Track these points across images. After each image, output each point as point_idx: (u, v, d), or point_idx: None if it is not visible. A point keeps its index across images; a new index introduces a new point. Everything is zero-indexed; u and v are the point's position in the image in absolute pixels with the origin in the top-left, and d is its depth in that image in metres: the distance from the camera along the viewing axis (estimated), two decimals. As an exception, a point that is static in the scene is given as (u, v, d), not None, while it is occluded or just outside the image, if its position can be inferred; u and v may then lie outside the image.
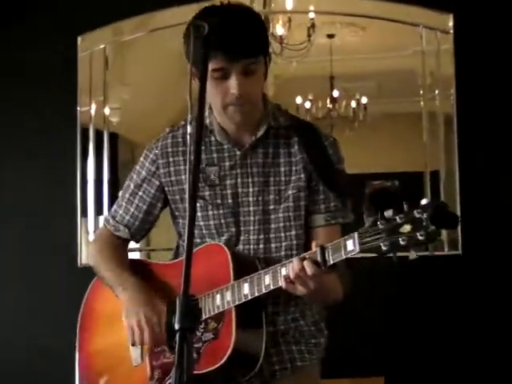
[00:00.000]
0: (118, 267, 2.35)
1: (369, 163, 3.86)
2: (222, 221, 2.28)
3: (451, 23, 3.84)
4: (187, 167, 1.81)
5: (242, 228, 2.27)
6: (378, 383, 3.64)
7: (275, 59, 3.47)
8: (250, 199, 2.27)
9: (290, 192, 2.25)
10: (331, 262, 1.97)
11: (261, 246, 2.26)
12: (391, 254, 1.84)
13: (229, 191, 2.28)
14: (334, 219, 2.27)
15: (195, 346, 2.13)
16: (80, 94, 4.00)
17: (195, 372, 1.99)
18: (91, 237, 3.91)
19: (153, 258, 3.90)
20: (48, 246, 3.95)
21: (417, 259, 1.80)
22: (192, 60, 2.01)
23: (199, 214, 2.27)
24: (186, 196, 2.24)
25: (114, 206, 2.44)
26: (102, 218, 3.93)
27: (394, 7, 3.86)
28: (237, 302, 2.12)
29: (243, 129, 2.26)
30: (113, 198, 3.69)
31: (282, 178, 2.27)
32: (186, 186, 2.25)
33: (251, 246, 2.27)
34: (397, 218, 1.83)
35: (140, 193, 2.37)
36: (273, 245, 2.27)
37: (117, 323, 2.32)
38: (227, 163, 2.28)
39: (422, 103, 3.91)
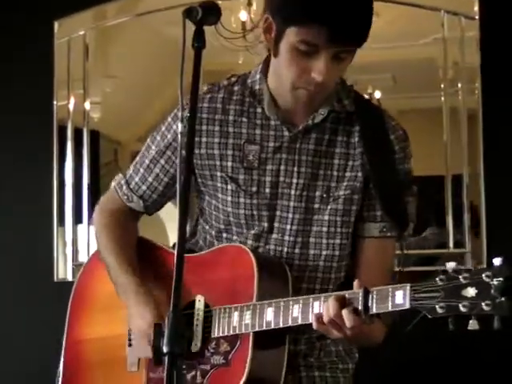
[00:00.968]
0: (124, 257, 2.15)
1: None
2: (255, 212, 2.07)
3: (476, 7, 3.62)
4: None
5: (277, 225, 2.07)
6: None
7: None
8: (292, 192, 2.06)
9: (341, 192, 2.06)
10: (374, 311, 1.76)
11: (296, 250, 2.07)
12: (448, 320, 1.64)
13: (268, 178, 2.06)
14: (391, 231, 2.07)
15: (202, 367, 1.99)
16: (57, 87, 3.84)
17: None
18: (69, 248, 3.77)
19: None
20: (21, 259, 3.81)
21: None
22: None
23: (229, 198, 2.08)
24: (218, 174, 2.08)
25: (130, 169, 2.23)
26: (80, 227, 3.78)
27: (411, -11, 3.70)
28: (257, 329, 1.91)
29: (301, 107, 2.04)
30: (93, 205, 3.51)
31: (335, 173, 2.06)
32: (218, 163, 2.08)
33: (284, 249, 2.07)
34: (460, 277, 1.64)
35: (162, 161, 2.16)
36: (311, 251, 2.07)
37: (114, 312, 2.17)
38: (271, 144, 2.06)
39: (442, 98, 3.69)
